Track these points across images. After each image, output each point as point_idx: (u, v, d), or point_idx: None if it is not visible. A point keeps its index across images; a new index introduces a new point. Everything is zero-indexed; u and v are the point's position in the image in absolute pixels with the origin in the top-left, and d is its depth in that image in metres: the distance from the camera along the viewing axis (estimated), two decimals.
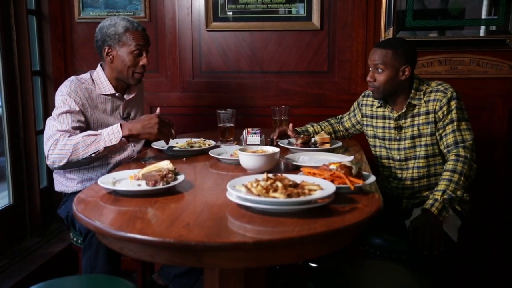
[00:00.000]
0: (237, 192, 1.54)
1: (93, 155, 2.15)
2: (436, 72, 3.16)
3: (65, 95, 2.30)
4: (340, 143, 2.48)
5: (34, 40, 3.32)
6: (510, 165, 3.21)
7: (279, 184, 1.53)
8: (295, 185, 1.57)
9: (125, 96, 2.53)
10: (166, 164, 1.81)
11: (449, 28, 3.16)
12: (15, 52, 3.06)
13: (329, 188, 1.58)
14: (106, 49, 2.40)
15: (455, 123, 2.31)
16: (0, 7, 2.97)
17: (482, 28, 3.15)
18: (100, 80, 2.44)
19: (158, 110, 2.29)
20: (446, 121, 2.33)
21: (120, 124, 2.16)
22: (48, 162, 2.20)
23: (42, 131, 3.32)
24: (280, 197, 1.48)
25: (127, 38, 2.37)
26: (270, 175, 1.61)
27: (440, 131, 2.35)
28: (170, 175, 1.77)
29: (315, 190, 1.56)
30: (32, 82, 3.16)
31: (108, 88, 2.44)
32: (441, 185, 2.22)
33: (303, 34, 3.27)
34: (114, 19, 2.41)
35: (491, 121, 3.17)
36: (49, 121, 2.28)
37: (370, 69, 2.40)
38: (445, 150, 2.35)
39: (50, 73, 3.40)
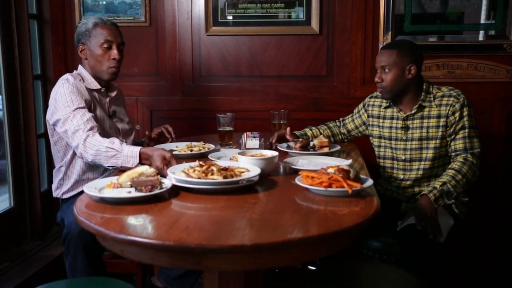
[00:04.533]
0: (178, 177, 1.79)
1: (111, 168, 2.21)
2: (434, 77, 3.18)
3: (69, 93, 2.32)
4: (338, 147, 2.50)
5: (35, 44, 3.34)
6: (507, 168, 3.23)
7: (214, 168, 1.82)
8: (225, 169, 1.84)
9: (109, 94, 2.59)
10: (146, 169, 1.80)
11: (447, 33, 3.18)
12: (16, 56, 3.08)
13: (255, 170, 1.88)
14: (80, 47, 2.47)
15: (466, 130, 2.39)
16: (1, 11, 2.99)
17: (481, 32, 3.17)
18: (85, 77, 2.49)
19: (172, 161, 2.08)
20: (458, 127, 2.39)
21: (140, 150, 2.12)
22: (78, 155, 2.27)
23: (43, 135, 3.35)
24: (218, 178, 1.77)
25: (96, 32, 2.42)
26: (201, 162, 1.89)
27: (452, 136, 2.41)
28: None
29: (243, 172, 1.87)
30: (33, 86, 3.18)
31: (94, 84, 2.49)
32: (443, 178, 2.32)
33: (302, 38, 3.29)
34: (88, 19, 2.50)
35: (489, 125, 3.19)
36: (66, 119, 2.28)
37: (378, 71, 2.46)
38: (452, 154, 2.42)
39: (51, 77, 3.42)
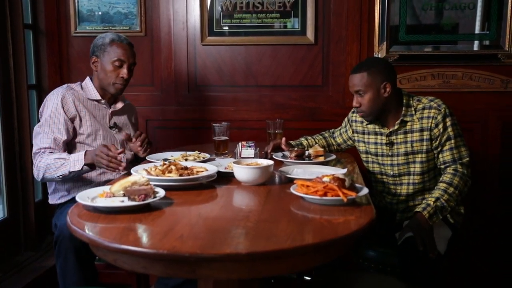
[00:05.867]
0: (140, 174, 1.89)
1: (60, 177, 2.31)
2: (429, 86, 3.19)
3: (55, 104, 2.43)
4: (333, 156, 2.50)
5: (30, 54, 3.34)
6: (502, 177, 3.23)
7: (173, 167, 2.00)
8: (186, 168, 2.02)
9: (112, 107, 2.65)
10: (139, 178, 1.79)
11: (442, 43, 3.20)
12: (11, 66, 3.08)
13: (212, 169, 2.07)
14: (93, 59, 2.56)
15: (452, 141, 2.34)
16: None
17: (476, 42, 3.19)
18: (87, 87, 2.59)
19: (117, 146, 2.32)
20: (443, 139, 2.35)
21: (85, 152, 2.28)
22: (34, 174, 2.43)
23: None
24: (173, 176, 1.94)
25: (111, 49, 2.51)
26: (166, 162, 2.05)
27: (438, 148, 2.37)
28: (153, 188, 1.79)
29: (202, 171, 2.04)
30: (28, 96, 3.18)
31: (94, 94, 2.57)
32: (436, 193, 2.27)
33: (298, 48, 3.30)
34: (106, 33, 2.59)
35: (483, 134, 3.20)
36: (36, 134, 2.43)
37: (354, 96, 2.42)
38: (442, 166, 2.38)
39: (46, 87, 3.41)
